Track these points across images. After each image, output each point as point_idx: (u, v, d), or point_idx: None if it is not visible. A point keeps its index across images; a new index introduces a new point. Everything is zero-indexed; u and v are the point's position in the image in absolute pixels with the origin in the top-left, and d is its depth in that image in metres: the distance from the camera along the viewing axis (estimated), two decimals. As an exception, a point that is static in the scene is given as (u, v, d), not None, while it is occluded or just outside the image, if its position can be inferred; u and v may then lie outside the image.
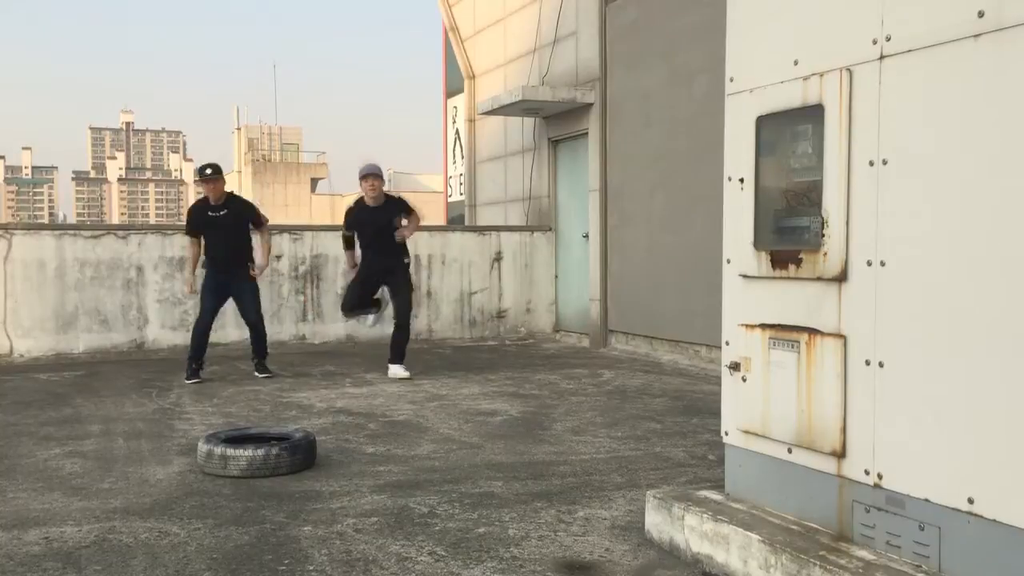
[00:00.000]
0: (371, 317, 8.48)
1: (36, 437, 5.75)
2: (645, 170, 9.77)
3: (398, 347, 8.28)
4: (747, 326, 3.37)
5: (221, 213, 7.96)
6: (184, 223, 8.34)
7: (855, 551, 2.90)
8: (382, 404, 6.87)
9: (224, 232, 7.97)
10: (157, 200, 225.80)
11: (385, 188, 8.46)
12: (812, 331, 3.09)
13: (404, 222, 8.16)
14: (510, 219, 12.73)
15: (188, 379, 7.92)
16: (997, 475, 2.50)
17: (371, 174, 8.15)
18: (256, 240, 8.27)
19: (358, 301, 8.35)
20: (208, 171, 7.92)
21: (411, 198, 8.84)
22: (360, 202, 8.28)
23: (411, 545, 3.63)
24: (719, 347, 3.62)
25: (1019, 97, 2.43)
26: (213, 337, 8.31)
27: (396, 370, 8.25)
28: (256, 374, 8.26)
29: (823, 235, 3.01)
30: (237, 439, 4.95)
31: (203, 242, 8.10)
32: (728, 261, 3.48)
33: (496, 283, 11.43)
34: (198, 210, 8.13)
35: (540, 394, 7.31)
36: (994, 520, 2.50)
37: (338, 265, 10.57)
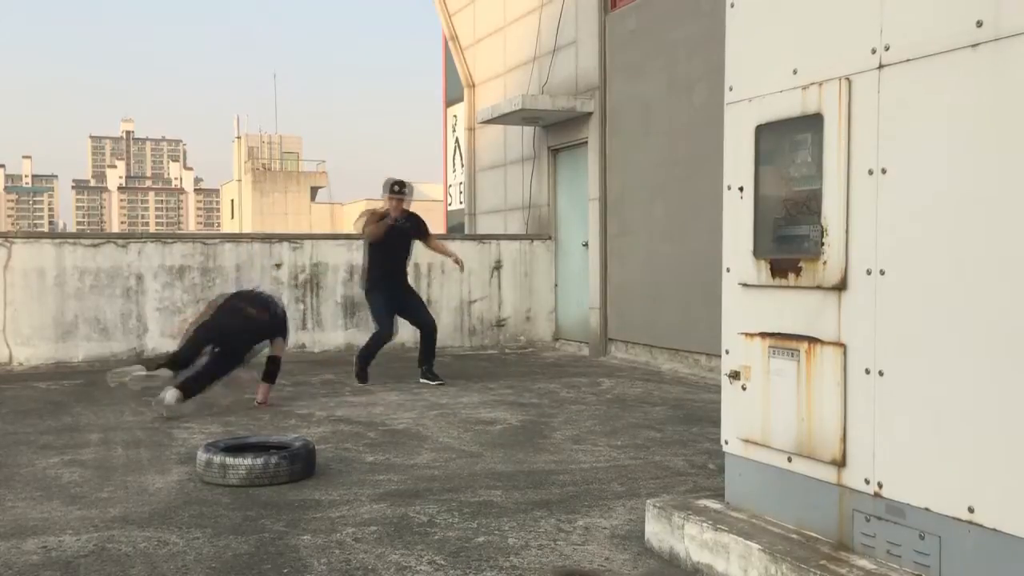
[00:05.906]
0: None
1: (35, 446, 5.74)
2: (645, 179, 9.78)
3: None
4: (747, 335, 3.37)
5: (406, 225, 8.21)
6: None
7: (855, 560, 2.90)
8: (381, 413, 6.86)
9: (404, 244, 8.27)
10: (157, 209, 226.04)
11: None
12: (812, 340, 3.09)
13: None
14: (510, 228, 12.74)
15: (362, 382, 8.19)
16: (997, 484, 2.49)
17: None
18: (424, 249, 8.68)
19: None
20: (396, 188, 8.12)
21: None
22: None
23: (410, 554, 3.62)
24: (719, 356, 3.62)
25: (1017, 105, 2.43)
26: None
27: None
28: (425, 380, 8.25)
29: (823, 244, 3.01)
30: (236, 448, 4.95)
31: (371, 257, 8.20)
32: (728, 270, 3.48)
33: (496, 292, 11.42)
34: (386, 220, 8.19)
35: (540, 403, 7.31)
36: (995, 529, 2.50)
37: (337, 273, 10.58)
